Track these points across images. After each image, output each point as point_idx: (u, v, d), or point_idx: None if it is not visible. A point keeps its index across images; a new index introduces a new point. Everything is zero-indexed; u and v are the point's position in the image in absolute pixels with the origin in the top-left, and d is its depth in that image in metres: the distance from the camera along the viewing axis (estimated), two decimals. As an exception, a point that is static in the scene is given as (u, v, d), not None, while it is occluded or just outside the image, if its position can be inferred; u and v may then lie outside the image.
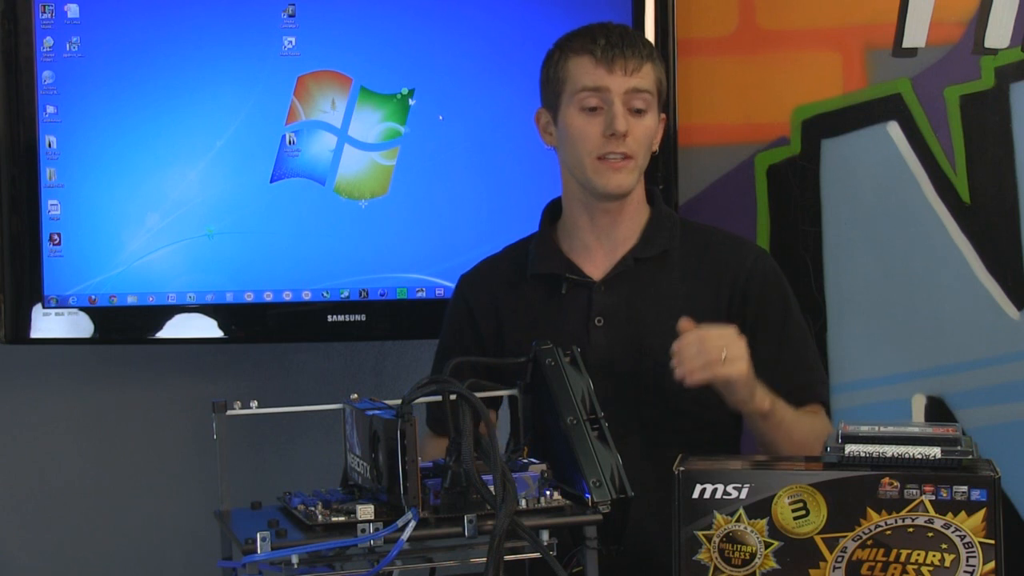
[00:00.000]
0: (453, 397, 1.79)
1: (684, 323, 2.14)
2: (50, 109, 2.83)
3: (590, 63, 2.26)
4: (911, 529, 1.80)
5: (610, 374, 2.23)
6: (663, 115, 2.34)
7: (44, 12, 2.81)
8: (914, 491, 1.80)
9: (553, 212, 2.40)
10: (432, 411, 2.23)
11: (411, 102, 2.84)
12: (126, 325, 2.87)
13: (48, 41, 2.82)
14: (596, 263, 2.34)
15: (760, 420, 2.18)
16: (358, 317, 2.87)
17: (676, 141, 2.90)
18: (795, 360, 2.33)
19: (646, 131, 2.27)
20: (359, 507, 1.74)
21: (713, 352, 2.09)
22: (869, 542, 1.80)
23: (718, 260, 2.34)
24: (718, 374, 2.10)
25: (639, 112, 2.26)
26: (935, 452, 1.81)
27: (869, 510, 1.80)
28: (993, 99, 2.86)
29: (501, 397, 2.09)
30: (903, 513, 1.80)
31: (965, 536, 1.78)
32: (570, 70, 2.28)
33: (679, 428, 2.27)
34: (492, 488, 1.73)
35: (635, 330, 2.29)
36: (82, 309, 2.85)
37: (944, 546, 1.79)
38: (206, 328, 2.87)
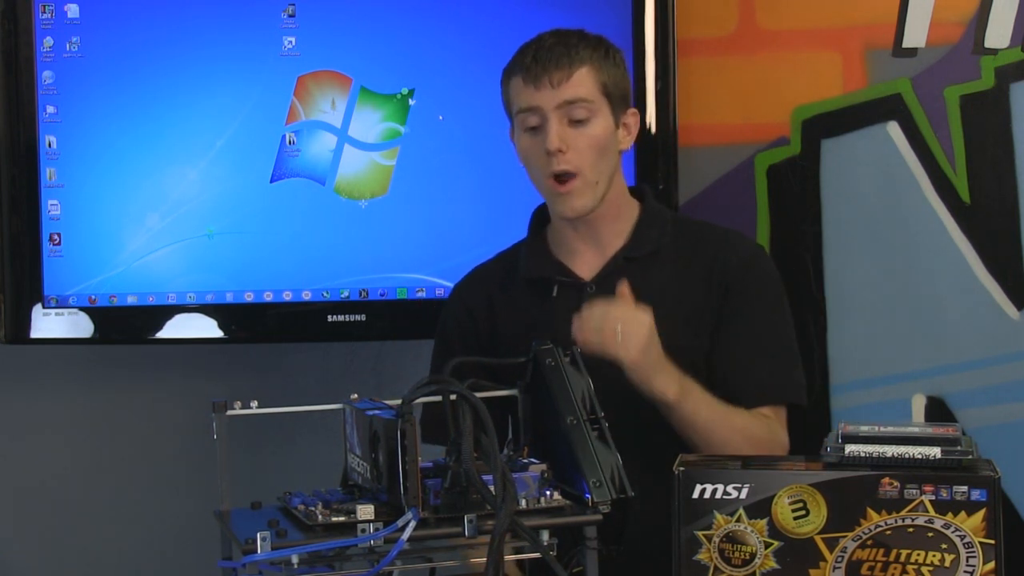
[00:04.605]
0: (453, 397, 1.79)
1: (622, 287, 2.14)
2: (50, 109, 2.83)
3: (521, 82, 2.25)
4: (911, 529, 1.80)
5: (602, 374, 2.21)
6: (633, 109, 2.31)
7: (44, 12, 2.81)
8: (914, 491, 1.80)
9: (542, 217, 2.40)
10: (429, 420, 2.11)
11: (411, 102, 2.85)
12: (126, 325, 2.87)
13: (48, 41, 2.82)
14: (586, 264, 2.34)
15: (665, 410, 2.16)
16: (358, 317, 2.87)
17: (676, 141, 2.90)
18: (758, 356, 2.29)
19: (591, 141, 2.23)
20: (359, 507, 1.74)
21: (608, 328, 2.08)
22: (869, 542, 1.80)
23: (708, 255, 2.33)
24: (607, 352, 2.09)
25: (580, 122, 2.23)
26: (935, 452, 1.81)
27: (869, 510, 1.80)
28: (993, 99, 2.86)
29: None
30: (903, 513, 1.80)
31: (965, 536, 1.78)
32: (510, 92, 2.28)
33: (670, 430, 2.26)
34: (492, 488, 1.73)
35: None
36: (82, 309, 2.85)
37: (944, 546, 1.79)
38: (206, 328, 2.87)
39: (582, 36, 2.29)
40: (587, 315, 2.11)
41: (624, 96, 2.30)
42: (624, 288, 2.15)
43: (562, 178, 2.24)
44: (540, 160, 2.25)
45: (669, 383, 2.14)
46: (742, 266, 2.32)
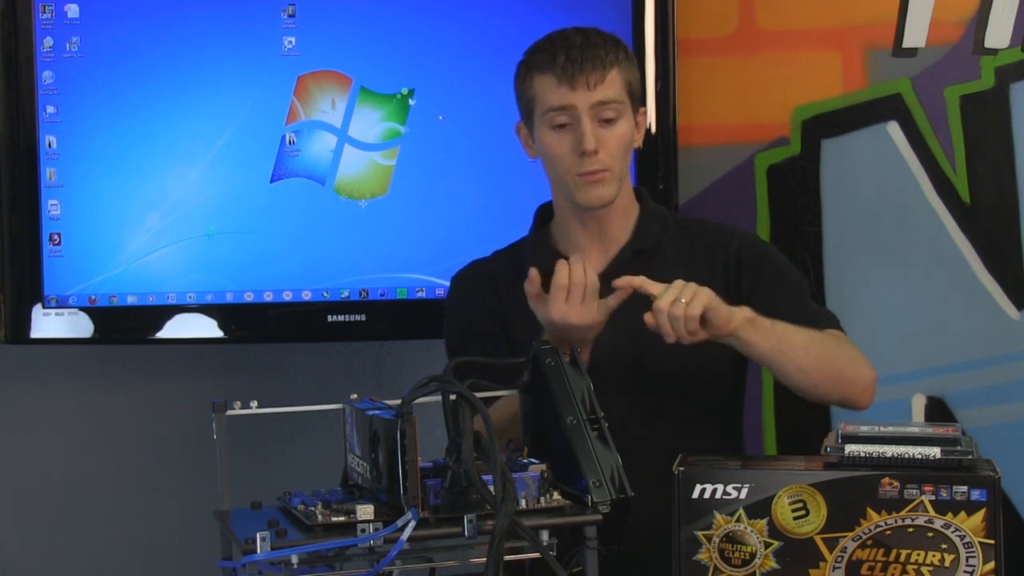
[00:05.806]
0: (453, 397, 1.79)
1: (621, 289, 2.14)
2: (50, 109, 2.83)
3: (553, 82, 2.25)
4: (911, 529, 1.80)
5: (611, 367, 2.23)
6: (642, 109, 2.35)
7: (44, 12, 2.81)
8: (914, 491, 1.80)
9: (545, 214, 2.42)
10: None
11: (411, 102, 2.85)
12: (126, 325, 2.87)
13: (48, 41, 2.82)
14: (592, 259, 2.33)
15: (755, 334, 2.15)
16: (358, 317, 2.87)
17: (676, 141, 2.90)
18: (800, 311, 2.31)
19: (619, 140, 2.27)
20: (359, 507, 1.74)
21: (676, 310, 2.09)
22: (869, 542, 1.80)
23: (707, 247, 2.36)
24: (691, 316, 2.09)
25: (609, 122, 2.26)
26: (935, 452, 1.81)
27: (869, 510, 1.80)
28: (993, 99, 2.87)
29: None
30: (903, 513, 1.80)
31: (965, 536, 1.78)
32: (536, 89, 2.28)
33: (682, 418, 2.28)
34: (492, 488, 1.73)
35: (634, 323, 2.29)
36: (82, 309, 2.85)
37: (944, 546, 1.79)
38: (206, 328, 2.87)
39: (604, 35, 2.31)
40: (663, 329, 2.10)
41: (640, 95, 2.35)
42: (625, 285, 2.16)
43: (593, 174, 2.26)
44: (569, 158, 2.26)
45: (743, 310, 2.15)
46: (746, 244, 2.37)
